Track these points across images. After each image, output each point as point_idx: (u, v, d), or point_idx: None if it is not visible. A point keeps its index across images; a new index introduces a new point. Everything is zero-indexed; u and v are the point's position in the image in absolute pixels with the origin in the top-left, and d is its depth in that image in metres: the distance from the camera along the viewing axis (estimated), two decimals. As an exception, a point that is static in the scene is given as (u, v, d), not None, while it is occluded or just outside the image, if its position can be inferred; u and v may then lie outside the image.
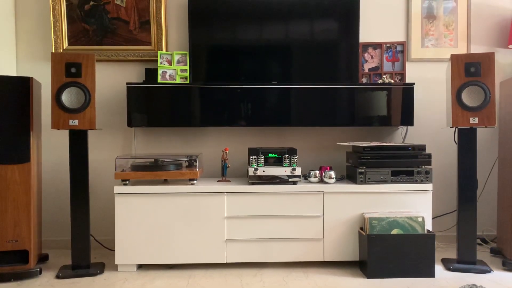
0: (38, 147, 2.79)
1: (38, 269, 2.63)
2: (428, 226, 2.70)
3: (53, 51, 3.14)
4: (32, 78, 2.64)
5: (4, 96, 2.57)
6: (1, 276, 2.53)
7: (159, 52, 3.11)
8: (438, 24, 3.27)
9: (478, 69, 2.64)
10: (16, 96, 2.59)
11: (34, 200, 2.67)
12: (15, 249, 2.59)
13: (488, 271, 2.64)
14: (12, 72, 3.16)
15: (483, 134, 3.24)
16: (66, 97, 2.59)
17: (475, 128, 2.69)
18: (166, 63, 3.10)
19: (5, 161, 2.57)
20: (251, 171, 2.75)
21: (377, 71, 3.24)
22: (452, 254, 2.87)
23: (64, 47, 3.17)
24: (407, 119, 3.06)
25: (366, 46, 3.24)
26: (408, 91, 3.06)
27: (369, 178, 2.76)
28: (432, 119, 3.27)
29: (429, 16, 3.27)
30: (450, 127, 2.72)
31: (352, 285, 2.48)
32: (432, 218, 2.84)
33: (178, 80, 3.08)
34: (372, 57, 3.24)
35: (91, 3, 3.17)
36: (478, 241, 3.12)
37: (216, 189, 2.72)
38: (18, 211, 2.59)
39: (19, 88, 2.60)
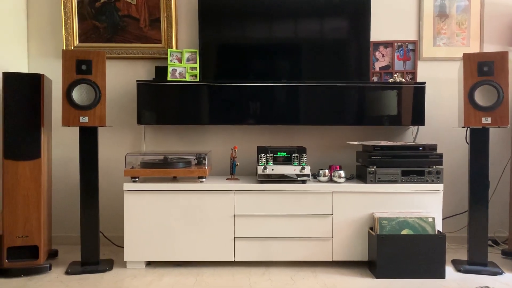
0: (48, 144, 2.80)
1: (48, 265, 2.65)
2: (439, 226, 2.67)
3: (64, 48, 3.16)
4: (43, 75, 2.65)
5: (15, 93, 2.58)
6: (11, 271, 2.55)
7: (169, 50, 3.11)
8: (450, 23, 3.23)
9: (491, 68, 2.60)
10: (27, 93, 2.61)
11: (44, 196, 2.69)
12: (25, 245, 2.61)
13: (499, 273, 2.61)
14: (24, 69, 3.19)
15: (495, 134, 3.20)
16: (77, 94, 2.60)
17: (488, 128, 2.65)
18: (176, 61, 3.10)
19: (16, 157, 2.59)
20: (260, 170, 2.74)
21: (388, 70, 3.21)
22: (463, 255, 2.84)
23: (75, 45, 3.18)
24: (418, 118, 3.03)
25: (377, 44, 3.21)
26: (419, 90, 3.03)
27: (379, 178, 2.74)
28: (443, 118, 3.23)
29: (441, 14, 3.24)
30: (462, 127, 2.69)
31: (360, 285, 2.46)
32: (443, 219, 2.81)
33: (187, 78, 3.08)
34: (383, 55, 3.21)
35: (102, 0, 3.18)
36: (489, 242, 3.07)
37: (225, 187, 2.71)
38: (29, 207, 2.61)
39: (30, 85, 2.62)
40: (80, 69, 2.60)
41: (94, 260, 2.68)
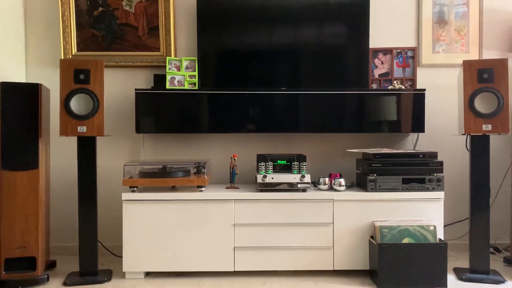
0: (46, 153, 2.78)
1: (46, 276, 2.62)
2: (440, 234, 2.65)
3: (62, 57, 3.15)
4: (41, 84, 2.64)
5: (13, 102, 2.56)
6: (9, 283, 2.52)
7: (167, 58, 3.10)
8: (449, 29, 3.23)
9: (491, 75, 2.59)
10: (25, 102, 2.59)
11: (42, 206, 2.66)
12: (23, 256, 2.58)
13: (501, 281, 2.59)
14: (22, 78, 3.17)
15: (495, 140, 3.18)
16: (75, 104, 2.58)
17: (488, 135, 2.64)
18: (175, 69, 3.09)
19: (14, 167, 2.56)
20: (259, 178, 2.72)
21: (387, 77, 3.20)
22: (465, 263, 2.82)
23: (73, 53, 3.17)
24: (418, 125, 3.01)
25: (376, 51, 3.20)
26: (419, 97, 3.02)
27: (379, 186, 2.72)
28: (443, 125, 3.22)
29: (440, 21, 3.23)
30: (462, 134, 2.68)
31: (362, 295, 2.44)
32: (444, 226, 2.79)
33: (186, 86, 3.06)
34: (382, 62, 3.21)
35: (100, 9, 3.18)
36: (491, 249, 3.05)
37: (224, 196, 2.69)
38: (26, 217, 2.59)
39: (28, 95, 2.60)
40: (78, 78, 2.58)
41: (92, 270, 2.65)
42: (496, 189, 3.16)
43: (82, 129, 2.58)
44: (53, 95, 2.95)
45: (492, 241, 2.97)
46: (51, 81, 3.07)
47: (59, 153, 3.18)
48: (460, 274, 2.67)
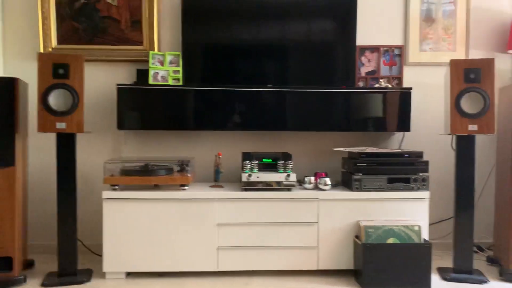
0: (24, 150, 2.69)
1: (23, 277, 2.54)
2: (425, 234, 2.64)
3: (42, 50, 3.04)
4: (17, 78, 2.54)
5: (-12, 97, 2.47)
6: (-17, 284, 2.45)
7: (150, 52, 3.02)
8: (436, 28, 3.21)
9: (478, 75, 2.58)
10: (0, 97, 2.49)
11: (19, 205, 2.58)
12: (-1, 256, 2.51)
13: (484, 281, 2.60)
14: (-1, 72, 3.07)
15: (480, 140, 3.18)
16: (54, 99, 2.50)
17: (474, 136, 2.63)
18: (158, 64, 3.02)
19: (-12, 165, 2.48)
20: (244, 177, 2.67)
21: (374, 75, 3.18)
22: (448, 262, 2.82)
23: (53, 46, 3.07)
24: (404, 124, 3.00)
25: (363, 49, 3.17)
26: (405, 96, 3.00)
27: (365, 185, 2.70)
28: (429, 124, 3.21)
29: (428, 19, 3.21)
30: (448, 134, 2.66)
31: (346, 296, 2.42)
32: (429, 225, 2.78)
33: (170, 82, 2.99)
34: (369, 60, 3.18)
35: (82, 1, 3.08)
36: (474, 248, 3.06)
37: (207, 195, 2.64)
38: (2, 217, 2.50)
39: (4, 89, 2.50)
40: (57, 73, 2.49)
41: (71, 270, 2.58)
42: (480, 187, 3.17)
43: (61, 125, 2.50)
44: (32, 90, 2.85)
45: (475, 239, 2.98)
46: (30, 75, 2.96)
47: (38, 149, 3.09)
48: (444, 274, 2.67)
